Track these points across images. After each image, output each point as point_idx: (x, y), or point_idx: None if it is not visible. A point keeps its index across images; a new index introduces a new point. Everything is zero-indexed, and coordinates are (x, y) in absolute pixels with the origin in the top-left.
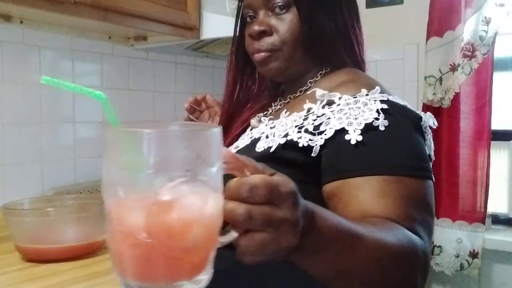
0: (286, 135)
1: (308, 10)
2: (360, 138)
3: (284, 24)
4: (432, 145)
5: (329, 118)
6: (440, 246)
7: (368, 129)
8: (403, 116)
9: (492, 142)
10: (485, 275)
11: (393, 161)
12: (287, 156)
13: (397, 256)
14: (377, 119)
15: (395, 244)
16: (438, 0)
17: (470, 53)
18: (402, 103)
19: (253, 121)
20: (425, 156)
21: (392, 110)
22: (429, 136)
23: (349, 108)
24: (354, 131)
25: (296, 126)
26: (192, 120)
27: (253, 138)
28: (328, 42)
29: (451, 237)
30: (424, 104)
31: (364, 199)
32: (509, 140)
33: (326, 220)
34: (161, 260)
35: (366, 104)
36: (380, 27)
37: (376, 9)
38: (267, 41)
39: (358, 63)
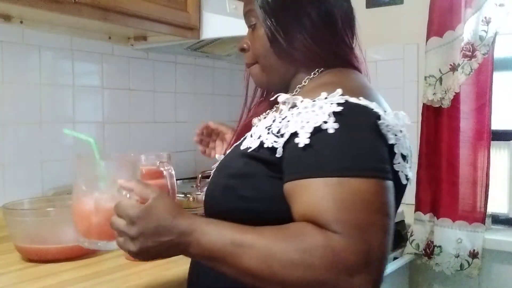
0: (259, 136)
1: (273, 24)
2: (308, 141)
3: (256, 40)
4: (406, 143)
5: (288, 121)
6: (440, 246)
7: (316, 132)
8: (358, 118)
9: (492, 142)
10: (485, 275)
11: (336, 163)
12: (261, 155)
13: (288, 261)
14: (325, 122)
15: (286, 250)
16: (438, 0)
17: (470, 53)
18: (363, 104)
19: (254, 121)
20: (377, 156)
21: (346, 112)
22: (399, 135)
23: (306, 112)
24: (304, 134)
25: (266, 128)
26: (205, 152)
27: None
28: (301, 49)
29: (451, 237)
30: (424, 104)
31: (304, 202)
32: (509, 140)
33: (207, 234)
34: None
35: (321, 107)
36: (380, 27)
37: (376, 9)
38: (246, 56)
39: (349, 62)
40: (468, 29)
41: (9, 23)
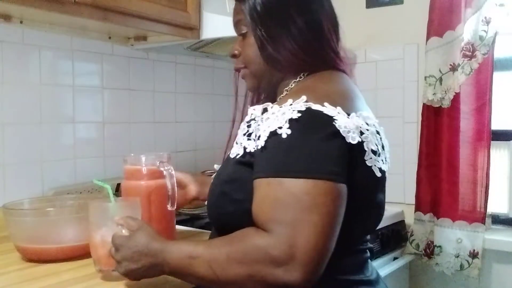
0: (241, 143)
1: (262, 33)
2: (263, 144)
3: (246, 47)
4: (376, 139)
5: (259, 125)
6: (440, 246)
7: (272, 136)
8: (313, 124)
9: (492, 142)
10: (485, 275)
11: (279, 165)
12: (246, 160)
13: (227, 263)
14: (280, 127)
15: (227, 254)
16: (438, 0)
17: (470, 53)
18: (321, 111)
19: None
20: (322, 159)
21: (302, 119)
22: (366, 133)
23: (272, 117)
24: (263, 138)
25: (243, 134)
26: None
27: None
28: (288, 55)
29: (451, 237)
30: (424, 104)
31: (254, 201)
32: (509, 140)
33: (171, 253)
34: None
35: (284, 113)
36: (380, 27)
37: (376, 9)
38: (237, 61)
39: (334, 65)
40: (468, 29)
41: (9, 23)
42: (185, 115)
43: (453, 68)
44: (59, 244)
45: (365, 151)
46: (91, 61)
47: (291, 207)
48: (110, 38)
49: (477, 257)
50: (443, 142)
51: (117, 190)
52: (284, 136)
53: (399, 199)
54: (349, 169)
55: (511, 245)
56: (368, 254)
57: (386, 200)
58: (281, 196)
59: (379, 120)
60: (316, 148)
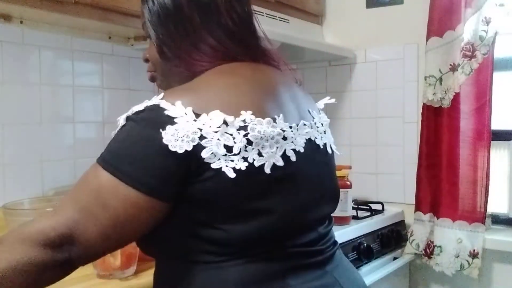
0: None
1: (157, 34)
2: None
3: (150, 49)
4: (216, 146)
5: None
6: (440, 246)
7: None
8: (146, 122)
9: (492, 142)
10: (485, 275)
11: (104, 153)
12: None
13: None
14: (121, 119)
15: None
16: (438, 0)
17: (470, 53)
18: (164, 108)
19: None
20: (141, 164)
21: (141, 114)
22: (209, 137)
23: None
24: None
25: None
26: None
27: None
28: (184, 55)
29: (451, 237)
30: (424, 104)
31: None
32: (509, 140)
33: None
34: None
35: (133, 110)
36: (380, 27)
37: (376, 9)
38: (148, 66)
39: (236, 58)
40: (468, 29)
41: (9, 23)
42: None
43: (453, 68)
44: None
45: (201, 157)
46: (91, 61)
47: (89, 193)
48: (110, 38)
49: (477, 257)
50: (443, 142)
51: None
52: (119, 127)
53: (399, 199)
54: (190, 174)
55: (511, 245)
56: (309, 259)
57: (386, 200)
58: (89, 180)
59: (379, 120)
60: (136, 150)
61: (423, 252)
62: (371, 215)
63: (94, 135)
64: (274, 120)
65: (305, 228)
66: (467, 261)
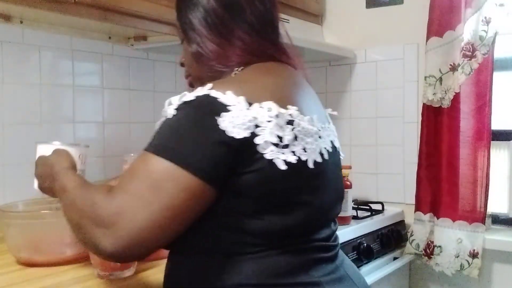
0: None
1: (186, 37)
2: (158, 127)
3: (184, 53)
4: (270, 135)
5: None
6: (440, 246)
7: (163, 118)
8: (201, 109)
9: (492, 142)
10: (485, 275)
11: (154, 142)
12: None
13: (75, 204)
14: (169, 108)
15: (80, 197)
16: (438, 0)
17: (470, 53)
18: (216, 97)
19: None
20: (197, 150)
21: (193, 102)
22: (263, 125)
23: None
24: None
25: None
26: None
27: None
28: (211, 54)
29: (451, 237)
30: (424, 104)
31: None
32: (509, 140)
33: (60, 181)
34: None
35: (183, 97)
36: (380, 27)
37: (376, 9)
38: (185, 70)
39: (273, 55)
40: (468, 29)
41: (9, 23)
42: None
43: (453, 68)
44: (54, 249)
45: (257, 144)
46: (91, 61)
47: (140, 179)
48: (110, 38)
49: (477, 257)
50: (443, 142)
51: None
52: (169, 116)
53: (399, 199)
54: (240, 163)
55: (511, 245)
56: (326, 253)
57: (386, 200)
58: (141, 168)
59: (379, 120)
60: (192, 136)
61: (423, 252)
62: (371, 215)
63: (94, 135)
64: (312, 119)
65: (325, 224)
66: (467, 261)
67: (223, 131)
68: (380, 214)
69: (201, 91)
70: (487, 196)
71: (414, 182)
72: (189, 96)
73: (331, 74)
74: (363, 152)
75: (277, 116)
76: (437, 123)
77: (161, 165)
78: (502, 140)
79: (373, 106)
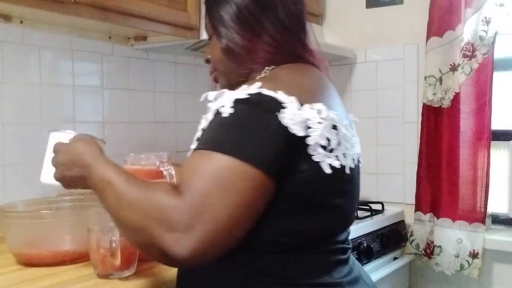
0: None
1: (216, 32)
2: (206, 124)
3: (212, 49)
4: (326, 134)
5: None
6: (440, 246)
7: (216, 115)
8: (259, 106)
9: (492, 142)
10: (485, 275)
11: (215, 140)
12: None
13: (131, 204)
14: (223, 106)
15: (136, 195)
16: (438, 0)
17: (470, 53)
18: (272, 96)
19: None
20: (260, 145)
21: (250, 100)
22: (315, 127)
23: (220, 100)
24: (209, 116)
25: (202, 128)
26: None
27: None
28: (242, 50)
29: (451, 237)
30: (424, 104)
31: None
32: (509, 140)
33: (96, 170)
34: None
35: (233, 95)
36: (380, 27)
37: (376, 9)
38: (210, 66)
39: (302, 56)
40: (468, 29)
41: (9, 23)
42: (185, 115)
43: (453, 68)
44: (54, 249)
45: (308, 145)
46: (91, 61)
47: (209, 179)
48: (110, 38)
49: (477, 257)
50: (443, 142)
51: None
52: (225, 115)
53: (399, 199)
54: (290, 162)
55: (511, 245)
56: (343, 256)
57: (386, 200)
58: (205, 166)
59: (379, 120)
60: (255, 132)
61: (423, 252)
62: (371, 215)
63: (94, 135)
64: (348, 125)
65: (347, 227)
66: (467, 261)
67: (286, 127)
68: (380, 214)
69: (250, 89)
70: (487, 196)
71: (414, 182)
72: (240, 93)
73: (331, 74)
74: (363, 152)
75: (326, 119)
76: (437, 123)
77: (227, 162)
78: (502, 140)
79: (373, 106)
